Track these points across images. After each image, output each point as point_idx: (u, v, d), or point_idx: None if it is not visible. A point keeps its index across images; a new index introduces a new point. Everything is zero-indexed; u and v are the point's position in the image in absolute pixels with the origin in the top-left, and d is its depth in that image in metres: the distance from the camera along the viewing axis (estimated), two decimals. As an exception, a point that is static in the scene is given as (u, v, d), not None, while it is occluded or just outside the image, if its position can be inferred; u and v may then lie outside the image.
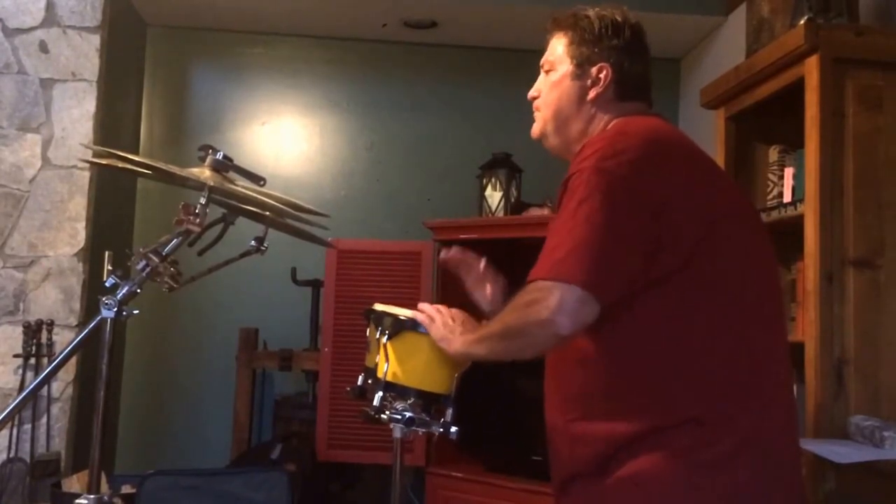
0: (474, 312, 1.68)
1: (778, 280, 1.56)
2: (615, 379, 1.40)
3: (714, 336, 1.39)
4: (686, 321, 1.38)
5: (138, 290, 1.58)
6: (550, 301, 1.31)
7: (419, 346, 1.59)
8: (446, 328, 1.57)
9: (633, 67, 1.59)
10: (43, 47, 3.33)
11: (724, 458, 1.34)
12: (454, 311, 1.61)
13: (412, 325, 1.60)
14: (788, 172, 2.49)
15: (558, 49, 1.62)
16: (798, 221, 2.25)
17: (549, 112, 1.62)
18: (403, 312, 1.63)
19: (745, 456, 1.35)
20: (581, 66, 1.58)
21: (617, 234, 1.34)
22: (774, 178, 2.58)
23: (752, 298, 1.43)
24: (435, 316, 1.60)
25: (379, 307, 1.66)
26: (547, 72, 1.64)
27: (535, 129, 1.66)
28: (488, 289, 1.75)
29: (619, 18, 1.59)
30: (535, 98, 1.66)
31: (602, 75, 1.56)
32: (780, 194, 2.52)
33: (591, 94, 1.57)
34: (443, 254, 1.80)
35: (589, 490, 1.42)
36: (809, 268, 2.17)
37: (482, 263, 1.74)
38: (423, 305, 1.65)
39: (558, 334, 1.33)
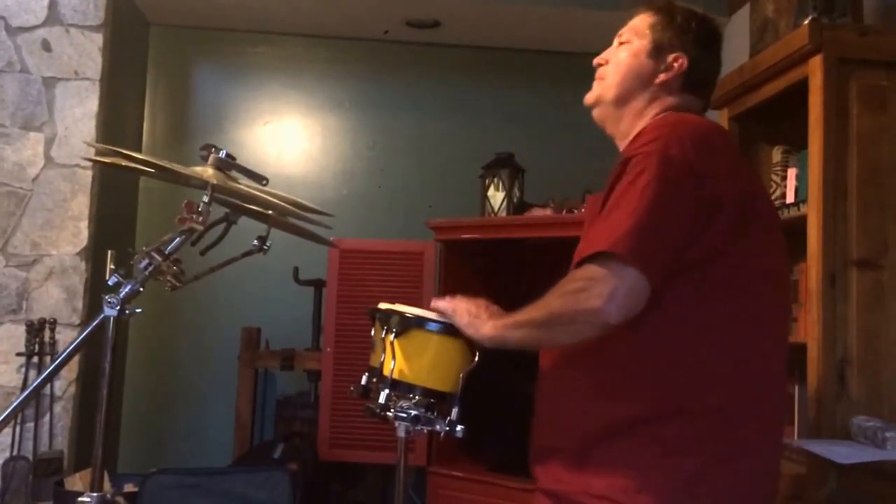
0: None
1: (789, 280, 1.58)
2: (636, 365, 1.39)
3: (734, 329, 1.40)
4: (710, 311, 1.39)
5: (141, 289, 1.58)
6: (602, 289, 1.29)
7: (426, 344, 1.59)
8: (471, 315, 1.53)
9: (704, 65, 1.59)
10: (46, 46, 3.33)
11: (745, 446, 1.37)
12: (476, 299, 1.58)
13: (419, 322, 1.60)
14: (792, 173, 2.48)
15: (643, 25, 1.61)
16: (801, 222, 2.25)
17: (616, 77, 1.59)
18: (410, 310, 1.63)
19: (761, 445, 1.39)
20: (659, 49, 1.57)
21: (676, 220, 1.34)
22: (777, 179, 2.58)
23: (769, 296, 1.46)
24: (458, 305, 1.57)
25: (384, 306, 1.66)
26: (622, 42, 1.62)
27: (592, 95, 1.63)
28: None
29: (708, 18, 1.61)
30: (601, 64, 1.64)
31: (676, 64, 1.56)
32: (784, 195, 2.52)
33: (661, 77, 1.57)
34: (432, 304, 1.70)
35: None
36: (812, 268, 2.17)
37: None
38: (437, 301, 1.60)
39: (607, 324, 1.31)
